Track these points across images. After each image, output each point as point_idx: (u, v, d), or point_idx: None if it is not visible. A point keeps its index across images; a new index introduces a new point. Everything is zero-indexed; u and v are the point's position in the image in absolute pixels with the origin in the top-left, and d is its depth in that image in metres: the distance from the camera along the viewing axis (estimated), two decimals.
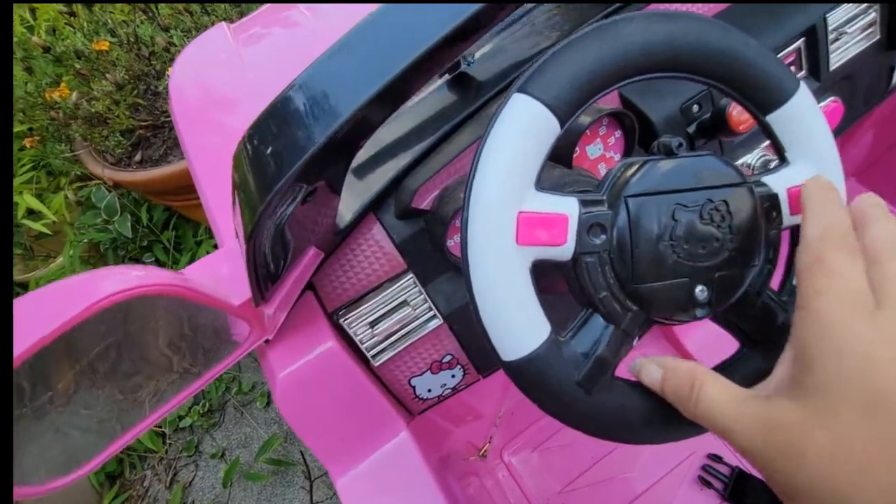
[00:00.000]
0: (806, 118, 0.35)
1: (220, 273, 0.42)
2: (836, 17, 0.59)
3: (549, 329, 0.31)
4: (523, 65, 0.57)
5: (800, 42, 0.59)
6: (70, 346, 0.40)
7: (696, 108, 0.56)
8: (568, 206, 0.31)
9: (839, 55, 0.61)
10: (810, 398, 0.24)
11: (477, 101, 0.56)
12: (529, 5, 0.61)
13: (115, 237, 1.43)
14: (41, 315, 0.33)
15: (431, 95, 0.59)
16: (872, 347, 0.22)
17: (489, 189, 0.30)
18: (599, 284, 0.32)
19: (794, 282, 0.34)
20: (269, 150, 0.30)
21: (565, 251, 0.31)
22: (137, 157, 1.27)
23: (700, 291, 0.32)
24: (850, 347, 0.23)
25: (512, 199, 0.30)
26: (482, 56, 0.60)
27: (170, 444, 1.38)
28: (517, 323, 0.30)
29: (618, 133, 0.55)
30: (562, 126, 0.30)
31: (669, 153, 0.33)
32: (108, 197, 1.41)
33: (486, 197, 0.30)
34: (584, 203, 0.31)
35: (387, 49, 0.30)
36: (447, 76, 0.60)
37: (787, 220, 0.35)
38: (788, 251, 0.35)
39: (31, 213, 1.38)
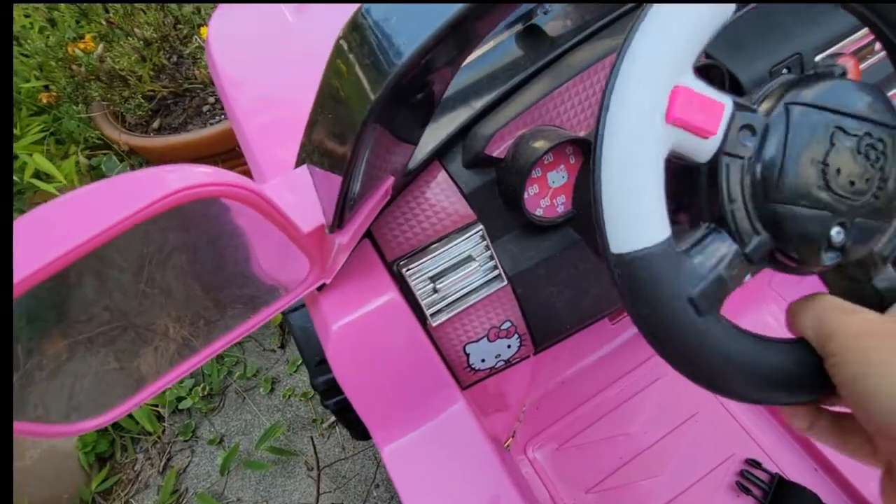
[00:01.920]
0: None
1: (285, 198, 0.37)
2: None
3: (669, 232, 0.27)
4: (600, 20, 0.54)
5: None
6: (73, 290, 0.35)
7: (785, 71, 0.53)
8: (724, 99, 0.28)
9: None
10: None
11: (551, 52, 0.52)
12: None
13: None
14: (84, 216, 0.28)
15: (500, 47, 0.56)
16: None
17: (649, 52, 0.26)
18: (735, 194, 0.28)
19: None
20: (385, 29, 0.26)
21: (708, 147, 0.28)
22: (156, 124, 1.22)
23: (837, 232, 0.29)
24: None
25: (670, 69, 0.26)
26: (557, 8, 0.57)
27: (165, 426, 1.31)
28: (641, 210, 0.26)
29: None
30: (737, 8, 0.27)
31: (832, 77, 0.30)
32: (120, 166, 1.36)
33: (643, 59, 0.26)
34: (737, 104, 0.28)
35: None
36: (519, 26, 0.56)
37: None
38: None
39: (40, 179, 1.33)
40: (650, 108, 0.26)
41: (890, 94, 0.56)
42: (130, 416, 1.25)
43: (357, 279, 0.44)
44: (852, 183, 0.28)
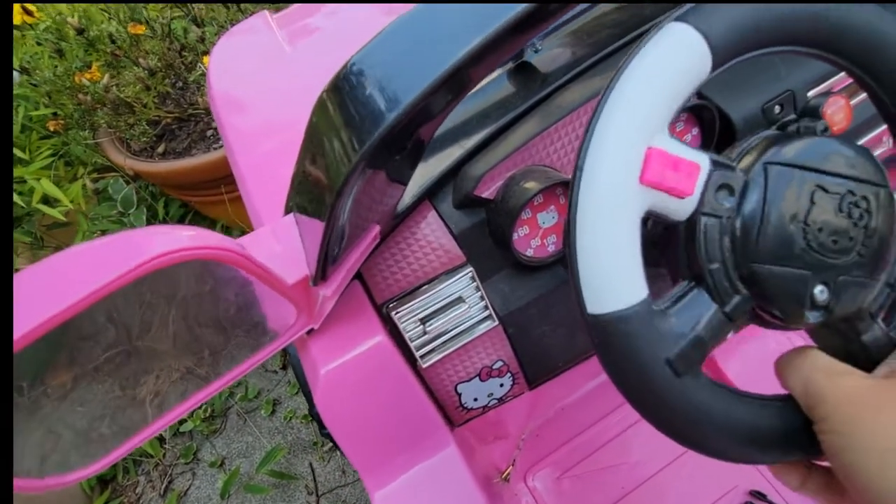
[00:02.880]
0: None
1: (273, 249, 0.37)
2: None
3: (646, 291, 0.27)
4: (590, 57, 0.54)
5: None
6: (74, 328, 0.35)
7: (777, 108, 0.52)
8: (700, 159, 0.27)
9: None
10: None
11: (542, 90, 0.52)
12: None
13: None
14: (72, 278, 0.29)
15: (492, 85, 0.56)
16: None
17: (623, 115, 0.26)
18: (714, 254, 0.28)
19: None
20: (367, 92, 0.26)
21: (685, 206, 0.27)
22: (160, 149, 1.24)
23: (820, 291, 0.28)
24: None
25: (645, 131, 0.26)
26: (547, 46, 0.57)
27: (167, 448, 1.31)
28: (616, 272, 0.26)
29: (695, 130, 0.52)
30: (713, 69, 0.27)
31: (812, 134, 0.29)
32: (126, 189, 1.38)
33: (617, 123, 0.26)
34: (714, 163, 0.28)
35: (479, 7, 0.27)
36: (510, 64, 0.57)
37: None
38: None
39: (47, 204, 1.35)
40: (624, 170, 0.26)
41: (880, 130, 0.56)
42: None
43: (346, 323, 0.44)
44: (835, 241, 0.28)
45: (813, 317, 0.29)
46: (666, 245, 0.30)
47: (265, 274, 0.33)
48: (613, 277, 0.26)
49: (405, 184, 0.42)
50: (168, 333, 0.41)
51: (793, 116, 0.52)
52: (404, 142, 0.33)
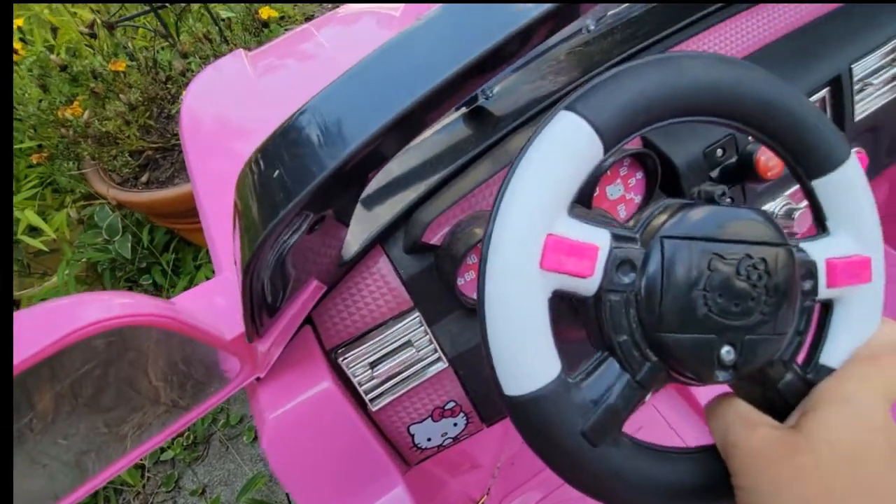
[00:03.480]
0: (852, 188, 0.33)
1: (214, 303, 0.39)
2: (862, 67, 0.58)
3: (559, 367, 0.28)
4: (542, 101, 0.56)
5: (825, 91, 0.58)
6: (53, 370, 0.37)
7: (719, 152, 0.54)
8: (599, 238, 0.29)
9: (864, 106, 0.60)
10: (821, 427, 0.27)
11: (494, 135, 0.54)
12: (551, 42, 0.60)
13: (114, 257, 1.41)
14: (17, 340, 0.30)
15: (447, 128, 0.58)
16: None
17: (520, 205, 0.27)
18: (621, 327, 0.29)
19: (822, 360, 0.32)
20: (275, 175, 0.28)
21: (590, 285, 0.29)
22: (144, 178, 1.26)
23: (727, 352, 0.29)
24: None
25: (543, 219, 0.27)
26: (501, 91, 0.59)
27: (148, 477, 1.31)
28: (527, 354, 0.27)
29: (639, 174, 0.53)
30: (605, 152, 0.28)
31: (711, 201, 0.31)
32: (111, 217, 1.40)
33: (515, 213, 0.27)
34: (616, 237, 0.29)
35: (402, 78, 0.28)
36: (464, 109, 0.59)
37: (823, 292, 0.32)
38: (817, 325, 0.33)
39: (33, 231, 1.37)
40: (525, 257, 0.27)
41: None
42: None
43: (294, 369, 0.45)
44: (737, 304, 0.29)
45: (722, 376, 0.30)
46: (577, 320, 0.32)
47: (199, 333, 0.34)
48: (525, 359, 0.27)
49: (347, 224, 0.43)
50: (130, 384, 0.42)
51: (732, 162, 0.54)
52: (329, 204, 0.34)
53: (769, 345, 0.30)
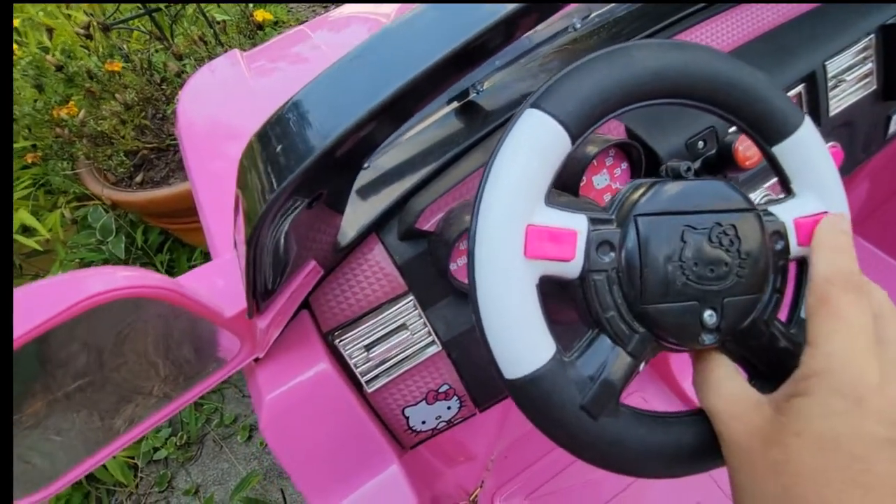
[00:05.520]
0: (811, 150, 0.35)
1: (215, 284, 0.40)
2: (836, 65, 0.61)
3: (554, 348, 0.30)
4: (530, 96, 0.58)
5: (800, 87, 0.61)
6: (46, 358, 0.38)
7: (700, 143, 0.56)
8: (577, 223, 0.31)
9: (838, 102, 0.63)
10: (793, 419, 0.26)
11: (484, 128, 0.56)
12: (538, 40, 0.62)
13: (108, 258, 1.41)
14: (19, 314, 0.31)
15: (439, 121, 0.60)
16: (870, 394, 0.25)
17: (498, 201, 0.29)
18: (607, 304, 0.31)
19: (803, 314, 0.34)
20: (277, 149, 0.30)
21: (573, 268, 0.30)
22: (139, 178, 1.27)
23: (709, 315, 0.31)
24: (850, 390, 0.25)
25: (521, 211, 0.29)
26: (491, 87, 0.61)
27: (141, 477, 1.30)
28: (522, 339, 0.29)
29: (624, 164, 0.56)
30: (573, 142, 0.30)
31: (678, 177, 0.33)
32: (105, 217, 1.40)
33: (495, 208, 0.29)
34: (592, 221, 0.31)
35: (391, 65, 0.30)
36: (455, 103, 0.61)
37: (795, 250, 0.34)
38: (795, 282, 0.35)
39: (26, 231, 1.37)
40: (509, 249, 0.29)
41: None
42: (104, 467, 1.24)
43: (291, 351, 0.47)
44: (712, 270, 0.31)
45: (708, 339, 0.31)
46: (568, 301, 0.33)
47: (202, 309, 0.36)
48: (521, 344, 0.29)
49: (341, 212, 0.45)
50: (121, 363, 0.43)
51: (712, 153, 0.56)
52: (324, 183, 0.35)
53: (748, 304, 0.32)
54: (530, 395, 0.29)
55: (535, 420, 0.30)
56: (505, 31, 0.31)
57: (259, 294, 0.36)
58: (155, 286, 0.32)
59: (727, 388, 0.31)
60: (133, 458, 1.30)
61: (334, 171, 0.35)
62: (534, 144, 0.30)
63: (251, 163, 0.32)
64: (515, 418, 0.99)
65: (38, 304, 0.31)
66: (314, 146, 0.28)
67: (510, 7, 0.28)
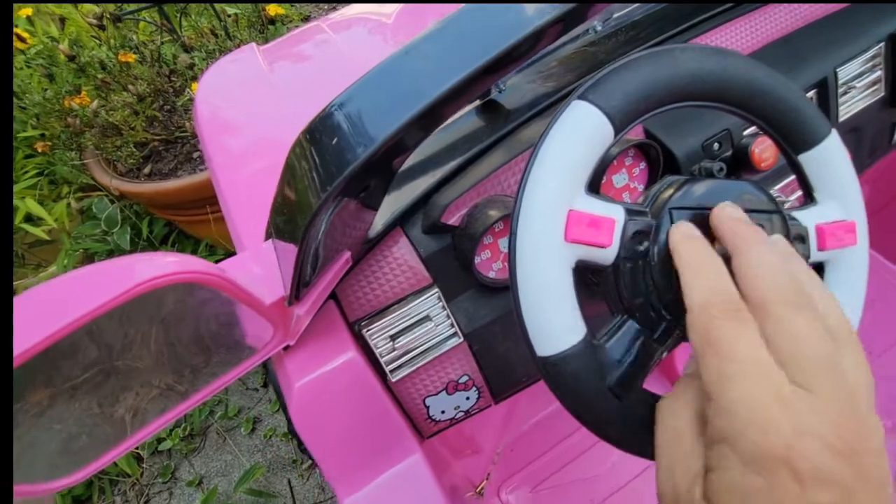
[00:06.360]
0: (835, 161, 0.37)
1: (252, 272, 0.41)
2: (847, 71, 0.62)
3: (585, 330, 0.31)
4: (551, 96, 0.59)
5: (812, 93, 0.62)
6: (55, 352, 0.38)
7: (716, 145, 0.58)
8: (615, 212, 0.32)
9: (847, 108, 0.65)
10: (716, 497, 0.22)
11: (506, 126, 0.57)
12: (560, 42, 0.64)
13: (113, 249, 1.41)
14: (68, 301, 0.32)
15: (462, 119, 0.61)
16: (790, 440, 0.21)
17: (543, 185, 0.30)
18: (638, 291, 0.32)
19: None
20: (334, 142, 0.31)
21: (608, 254, 0.32)
22: (147, 170, 1.27)
23: None
24: (763, 461, 0.21)
25: (564, 197, 0.31)
26: (512, 86, 0.62)
27: (145, 468, 1.31)
28: (556, 319, 0.30)
29: (642, 164, 0.57)
30: (616, 135, 0.31)
31: (710, 175, 0.34)
32: (110, 208, 1.40)
33: (539, 193, 0.30)
34: (629, 212, 0.32)
35: (428, 75, 0.31)
36: (478, 102, 0.62)
37: (814, 255, 0.36)
38: None
39: (30, 221, 1.36)
40: (551, 232, 0.30)
41: None
42: None
43: (320, 340, 0.48)
44: None
45: None
46: (600, 286, 0.35)
47: (244, 295, 0.37)
48: (554, 324, 0.30)
49: (376, 209, 0.46)
50: (150, 352, 0.44)
51: (728, 154, 0.58)
52: (372, 177, 0.37)
53: None
54: (561, 373, 0.30)
55: (562, 397, 0.31)
56: (536, 40, 0.32)
57: (304, 281, 0.37)
58: (205, 272, 0.33)
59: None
60: (138, 448, 1.30)
61: (378, 168, 0.36)
62: (580, 133, 0.31)
63: (308, 150, 0.33)
64: (521, 413, 1.01)
65: (89, 290, 0.32)
66: (376, 137, 0.29)
67: (548, 15, 0.30)
